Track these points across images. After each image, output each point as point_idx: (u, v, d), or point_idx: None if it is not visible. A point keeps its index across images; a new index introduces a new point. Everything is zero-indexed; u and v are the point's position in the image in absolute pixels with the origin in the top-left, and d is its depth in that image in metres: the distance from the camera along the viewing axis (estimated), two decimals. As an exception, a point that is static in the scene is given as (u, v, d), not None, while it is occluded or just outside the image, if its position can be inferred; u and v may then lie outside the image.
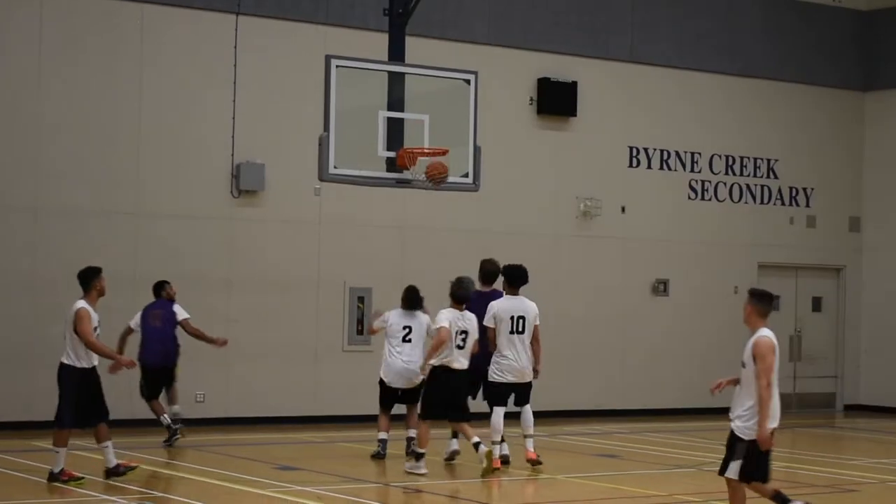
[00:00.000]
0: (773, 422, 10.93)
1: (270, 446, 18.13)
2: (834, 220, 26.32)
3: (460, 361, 15.42)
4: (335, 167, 17.41)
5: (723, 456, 11.18)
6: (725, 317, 24.60)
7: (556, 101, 23.12)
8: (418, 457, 15.29)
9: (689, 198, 24.63)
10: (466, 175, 18.30)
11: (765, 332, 11.07)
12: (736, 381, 11.28)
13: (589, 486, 15.14)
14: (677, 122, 24.53)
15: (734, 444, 11.04)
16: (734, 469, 11.02)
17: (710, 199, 24.85)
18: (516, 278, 16.26)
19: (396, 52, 18.38)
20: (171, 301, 17.80)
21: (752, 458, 10.96)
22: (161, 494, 13.84)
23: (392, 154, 16.99)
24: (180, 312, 17.67)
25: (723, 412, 24.04)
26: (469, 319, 15.55)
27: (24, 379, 18.73)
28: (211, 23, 20.43)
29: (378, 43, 18.36)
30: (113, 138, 19.77)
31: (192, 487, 14.13)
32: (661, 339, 23.94)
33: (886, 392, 25.82)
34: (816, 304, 26.38)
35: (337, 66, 18.54)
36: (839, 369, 26.49)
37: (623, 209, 23.82)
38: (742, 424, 10.98)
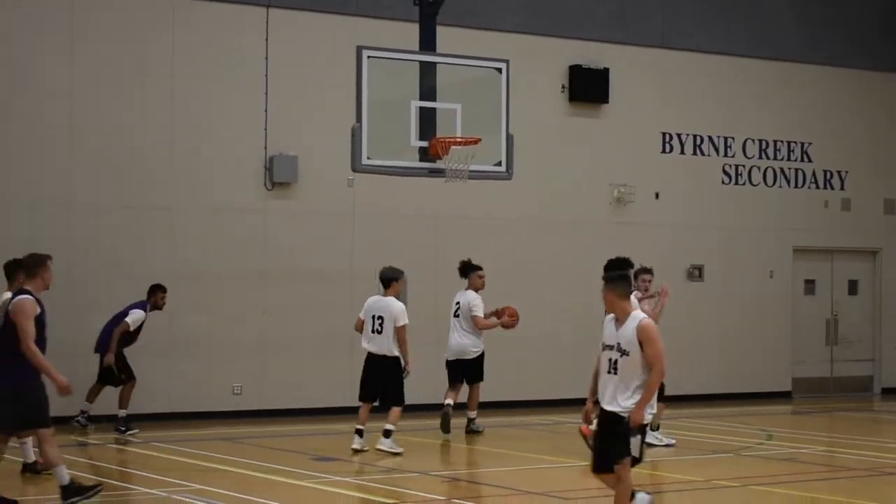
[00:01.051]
0: (652, 408, 10.42)
1: (307, 437, 18.20)
2: (869, 203, 26.18)
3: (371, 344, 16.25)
4: (368, 158, 17.44)
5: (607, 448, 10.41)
6: (760, 301, 24.57)
7: (588, 88, 23.07)
8: (387, 433, 16.05)
9: (723, 182, 24.55)
10: (499, 164, 18.29)
11: (643, 315, 10.51)
12: (594, 398, 10.56)
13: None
14: (709, 107, 24.44)
15: (623, 430, 10.26)
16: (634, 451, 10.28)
17: (743, 184, 24.77)
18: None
19: (427, 42, 18.36)
20: (145, 305, 17.82)
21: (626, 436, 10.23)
22: (199, 486, 13.90)
23: (425, 144, 16.99)
24: (131, 317, 17.64)
25: (760, 397, 24.15)
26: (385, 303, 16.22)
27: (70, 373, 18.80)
28: (242, 15, 20.48)
29: (409, 33, 18.35)
30: (145, 133, 19.84)
31: (228, 479, 14.19)
32: (697, 324, 23.87)
33: (924, 375, 25.73)
34: (852, 288, 26.26)
35: (368, 57, 18.57)
36: (876, 353, 26.37)
37: (657, 195, 23.77)
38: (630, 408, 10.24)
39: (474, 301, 18.28)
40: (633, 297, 15.25)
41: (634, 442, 10.27)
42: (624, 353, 10.33)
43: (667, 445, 16.99)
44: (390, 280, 16.46)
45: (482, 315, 18.23)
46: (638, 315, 10.44)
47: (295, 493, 13.27)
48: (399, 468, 15.15)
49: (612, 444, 10.35)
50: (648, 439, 16.74)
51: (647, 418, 10.34)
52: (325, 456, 15.93)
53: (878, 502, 13.29)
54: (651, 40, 23.76)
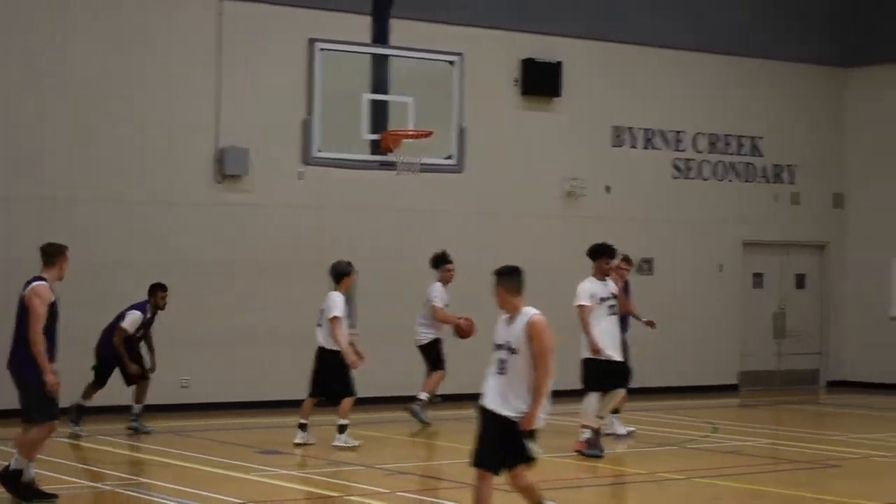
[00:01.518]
0: (546, 411, 9.91)
1: (255, 431, 18.21)
2: (818, 197, 26.43)
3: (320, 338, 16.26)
4: (319, 150, 17.53)
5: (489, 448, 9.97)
6: (710, 295, 24.79)
7: (540, 81, 23.15)
8: (340, 428, 16.05)
9: (674, 176, 24.72)
10: (450, 157, 18.42)
11: (534, 311, 9.98)
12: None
13: (574, 465, 15.26)
14: (661, 101, 24.60)
15: (517, 437, 9.79)
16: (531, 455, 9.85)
17: (694, 178, 24.94)
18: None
19: (380, 35, 18.47)
20: (144, 306, 17.55)
21: (521, 442, 9.74)
22: (145, 480, 13.94)
23: (376, 137, 17.05)
24: (127, 321, 17.30)
25: (707, 390, 24.30)
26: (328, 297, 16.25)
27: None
28: (194, 7, 20.44)
29: (362, 26, 18.44)
30: (96, 125, 19.77)
31: (175, 472, 14.22)
32: (646, 317, 23.98)
33: (869, 368, 25.95)
34: (800, 281, 26.50)
35: (321, 50, 18.66)
36: (823, 346, 26.63)
37: (608, 189, 23.90)
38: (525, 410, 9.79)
39: (434, 292, 18.34)
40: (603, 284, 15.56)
41: (531, 447, 9.79)
42: (513, 351, 9.86)
43: (627, 433, 17.18)
44: (340, 275, 16.45)
45: (441, 306, 18.25)
46: (529, 311, 9.98)
47: (238, 487, 13.29)
48: (347, 461, 15.21)
49: (505, 449, 9.81)
50: (616, 429, 17.07)
51: (540, 423, 9.82)
52: (272, 449, 15.97)
53: (820, 494, 13.44)
54: (604, 34, 23.87)
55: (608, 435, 16.78)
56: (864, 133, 26.56)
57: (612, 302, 15.80)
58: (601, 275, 15.89)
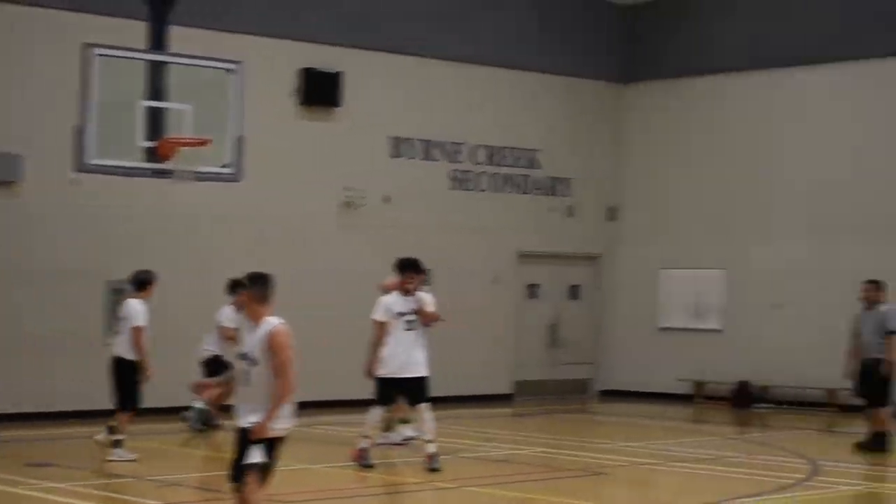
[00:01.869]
0: (287, 422, 9.55)
1: (22, 443, 17.77)
2: (592, 210, 27.00)
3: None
4: (94, 158, 17.20)
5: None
6: (486, 305, 25.08)
7: (320, 91, 23.15)
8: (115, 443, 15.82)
9: (451, 188, 24.98)
10: (227, 165, 18.28)
11: (276, 321, 9.55)
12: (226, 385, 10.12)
13: (339, 474, 15.30)
14: (440, 112, 24.84)
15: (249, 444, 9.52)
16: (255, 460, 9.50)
17: (472, 189, 25.25)
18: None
19: (157, 41, 18.21)
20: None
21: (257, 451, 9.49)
22: None
23: (153, 144, 16.82)
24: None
25: (482, 399, 24.52)
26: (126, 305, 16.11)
27: None
28: (-36, 9, 19.94)
29: (141, 32, 18.17)
30: None
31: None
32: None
33: (639, 377, 26.63)
34: (574, 293, 27.04)
35: (97, 55, 18.31)
36: (595, 356, 27.21)
37: (386, 199, 24.03)
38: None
39: (224, 314, 18.14)
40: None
41: (253, 453, 9.44)
42: (253, 362, 9.48)
43: (408, 439, 17.14)
44: (143, 283, 16.18)
45: (230, 326, 17.86)
46: (271, 321, 9.53)
47: (5, 501, 12.99)
48: (120, 474, 14.98)
49: (241, 458, 9.55)
50: (409, 433, 17.02)
51: (278, 431, 9.49)
52: (40, 462, 15.63)
53: (591, 501, 13.75)
54: (385, 45, 24.00)
55: (403, 443, 16.85)
56: (639, 148, 27.25)
57: (411, 317, 15.52)
58: (403, 289, 15.66)
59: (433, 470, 15.10)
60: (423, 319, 15.62)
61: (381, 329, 15.51)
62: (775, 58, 25.35)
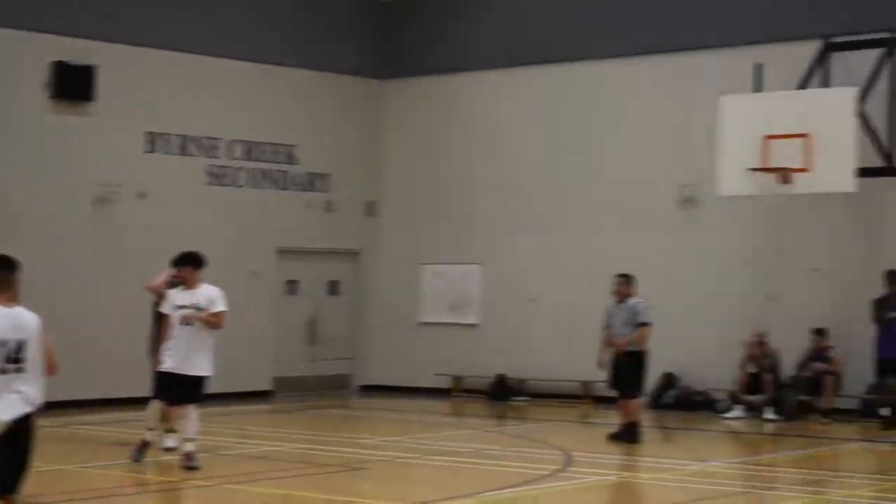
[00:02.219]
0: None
1: None
2: (351, 205, 27.03)
3: None
4: None
5: None
6: (244, 301, 24.79)
7: (72, 85, 22.58)
8: None
9: (208, 183, 24.72)
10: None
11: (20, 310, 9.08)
12: None
13: (93, 474, 15.02)
14: (197, 107, 24.53)
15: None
16: None
17: (229, 185, 25.03)
18: None
19: None
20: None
21: None
22: None
23: None
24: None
25: (241, 396, 24.33)
26: None
27: None
28: None
29: None
30: None
31: None
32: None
33: (399, 372, 26.78)
34: (334, 288, 27.04)
35: None
36: (355, 351, 27.26)
37: (142, 195, 23.60)
38: None
39: None
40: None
41: None
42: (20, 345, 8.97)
43: (169, 449, 16.58)
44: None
45: None
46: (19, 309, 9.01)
47: None
48: None
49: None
50: (168, 443, 16.39)
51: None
52: None
53: (349, 496, 13.75)
54: (141, 39, 23.57)
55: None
56: (398, 144, 27.40)
57: (186, 311, 15.13)
58: (187, 283, 15.32)
59: (190, 468, 14.88)
60: (206, 320, 15.28)
61: (166, 321, 15.32)
62: (530, 56, 25.78)
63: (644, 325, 18.30)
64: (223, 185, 24.95)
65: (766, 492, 14.94)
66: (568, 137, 25.36)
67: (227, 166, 25.03)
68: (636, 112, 24.60)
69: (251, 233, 25.18)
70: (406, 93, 27.33)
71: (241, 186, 25.20)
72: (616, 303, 18.56)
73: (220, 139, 24.92)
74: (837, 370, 21.54)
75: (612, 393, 19.23)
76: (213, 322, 15.23)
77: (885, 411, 20.63)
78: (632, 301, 18.44)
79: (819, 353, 21.79)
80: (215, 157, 24.86)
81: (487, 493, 13.83)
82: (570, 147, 25.31)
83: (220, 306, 15.35)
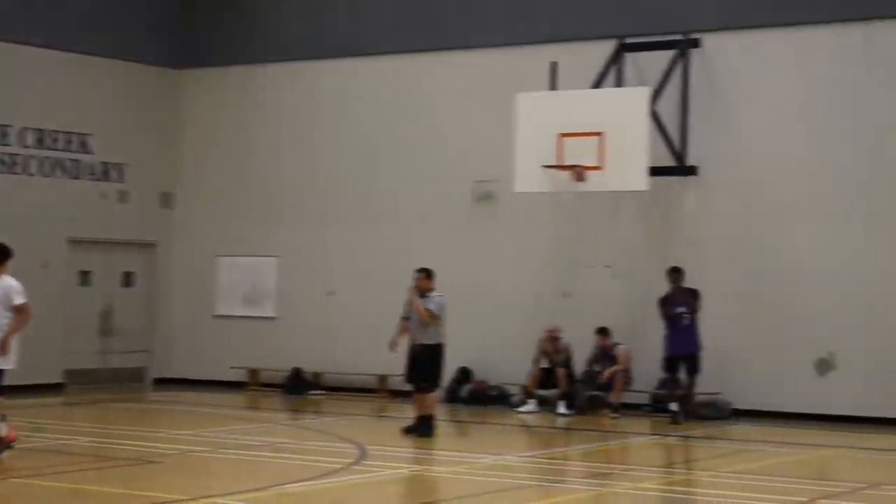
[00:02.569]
0: None
1: None
2: (147, 196, 26.70)
3: None
4: None
5: None
6: (35, 292, 24.09)
7: None
8: None
9: (-1, 171, 24.23)
10: None
11: None
12: None
13: None
14: (-14, 94, 24.05)
15: None
16: None
17: (20, 173, 24.52)
18: None
19: None
20: None
21: None
22: None
23: None
24: None
25: (31, 389, 23.83)
26: None
27: None
28: None
29: None
30: None
31: None
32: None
33: (195, 365, 26.56)
34: (128, 280, 26.66)
35: None
36: (150, 344, 26.92)
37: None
38: None
39: None
40: None
41: None
42: None
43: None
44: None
45: None
46: None
47: None
48: None
49: None
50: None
51: None
52: None
53: (142, 490, 13.55)
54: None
55: None
56: (195, 134, 27.15)
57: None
58: None
59: None
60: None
61: None
62: (331, 49, 25.79)
63: (407, 319, 18.45)
64: (14, 174, 24.41)
65: (557, 484, 15.20)
66: (366, 132, 25.43)
67: (17, 154, 24.49)
68: (435, 108, 24.79)
69: (42, 222, 24.67)
70: (204, 83, 27.09)
71: (32, 175, 24.69)
72: (417, 296, 18.59)
73: (10, 126, 24.38)
74: (624, 367, 22.01)
75: (409, 387, 19.34)
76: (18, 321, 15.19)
77: (673, 406, 21.14)
78: (433, 295, 18.54)
79: (604, 350, 22.24)
80: (6, 145, 24.33)
81: (280, 487, 13.80)
82: (369, 142, 25.39)
83: (19, 299, 15.09)
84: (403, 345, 18.75)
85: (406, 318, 18.66)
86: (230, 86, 26.88)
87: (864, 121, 21.41)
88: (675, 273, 21.42)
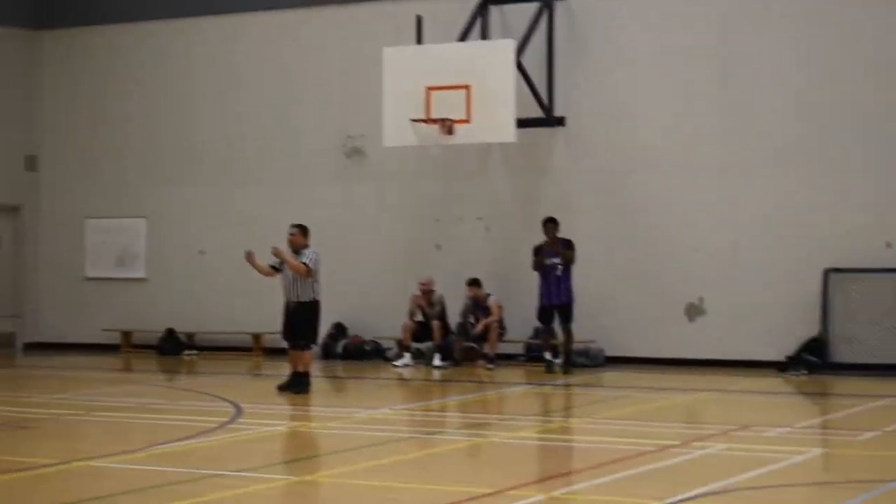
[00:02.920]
0: None
1: None
2: (10, 159, 26.29)
3: None
4: None
5: None
6: None
7: None
8: None
9: None
10: None
11: None
12: None
13: None
14: None
15: None
16: None
17: None
18: None
19: None
20: None
21: None
22: None
23: None
24: None
25: None
26: None
27: None
28: None
29: None
30: None
31: None
32: None
33: (66, 329, 26.27)
34: (-5, 244, 26.34)
35: None
36: (19, 308, 26.56)
37: None
38: None
39: None
40: None
41: None
42: None
43: None
44: None
45: None
46: None
47: None
48: None
49: None
50: None
51: None
52: None
53: (14, 456, 13.28)
54: None
55: None
56: (58, 95, 26.72)
57: None
58: None
59: None
60: None
61: None
62: (195, 6, 25.53)
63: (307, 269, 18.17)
64: None
65: (434, 436, 15.29)
66: (232, 88, 25.25)
67: None
68: (303, 63, 24.68)
69: None
70: (65, 44, 26.66)
71: None
72: (291, 251, 18.36)
73: None
74: (497, 318, 22.16)
75: (284, 344, 19.26)
76: None
77: (548, 355, 21.36)
78: (306, 252, 18.37)
79: (476, 302, 22.37)
80: None
81: (156, 447, 13.72)
82: (236, 98, 25.21)
83: None
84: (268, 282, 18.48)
85: (276, 269, 18.35)
86: (92, 46, 26.48)
87: (728, 68, 21.71)
88: (550, 223, 21.52)
